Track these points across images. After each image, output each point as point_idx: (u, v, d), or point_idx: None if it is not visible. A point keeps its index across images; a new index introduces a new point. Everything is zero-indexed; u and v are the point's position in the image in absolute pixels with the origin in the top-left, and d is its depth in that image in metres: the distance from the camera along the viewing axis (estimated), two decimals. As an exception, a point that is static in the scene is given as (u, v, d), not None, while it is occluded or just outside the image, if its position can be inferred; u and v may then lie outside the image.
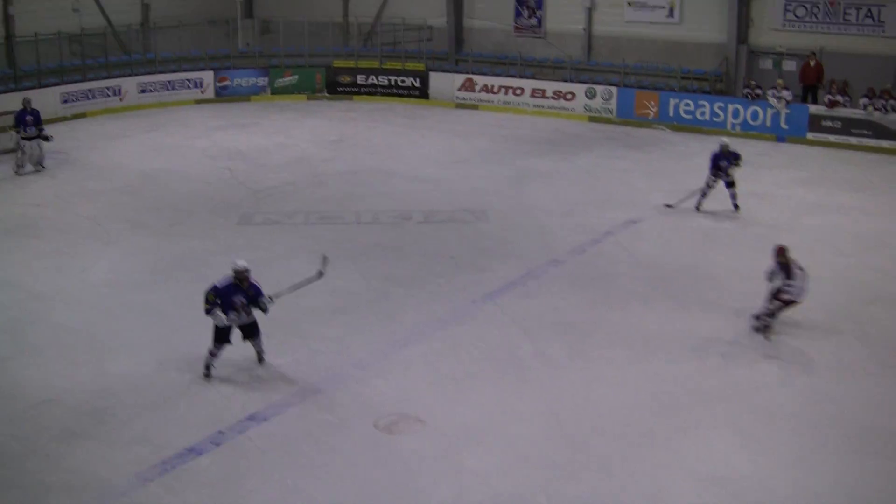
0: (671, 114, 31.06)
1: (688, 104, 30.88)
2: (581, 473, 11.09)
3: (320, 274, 13.89)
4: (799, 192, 23.55)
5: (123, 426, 12.11)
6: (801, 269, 14.63)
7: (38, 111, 24.97)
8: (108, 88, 33.10)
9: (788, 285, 14.49)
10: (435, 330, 15.02)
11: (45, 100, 29.68)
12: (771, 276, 14.81)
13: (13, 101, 26.61)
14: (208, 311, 13.21)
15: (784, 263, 14.55)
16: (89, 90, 32.54)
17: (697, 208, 21.65)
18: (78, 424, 12.10)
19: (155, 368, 13.63)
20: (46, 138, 24.83)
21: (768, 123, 29.37)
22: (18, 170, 24.57)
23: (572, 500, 10.55)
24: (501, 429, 12.04)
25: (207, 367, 13.52)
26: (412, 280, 17.09)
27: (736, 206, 21.69)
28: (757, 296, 15.86)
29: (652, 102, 31.43)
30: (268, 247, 18.70)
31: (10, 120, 25.29)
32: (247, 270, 13.27)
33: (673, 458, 11.46)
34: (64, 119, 31.05)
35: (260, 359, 13.91)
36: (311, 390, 13.02)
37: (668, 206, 22.11)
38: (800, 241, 19.23)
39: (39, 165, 24.81)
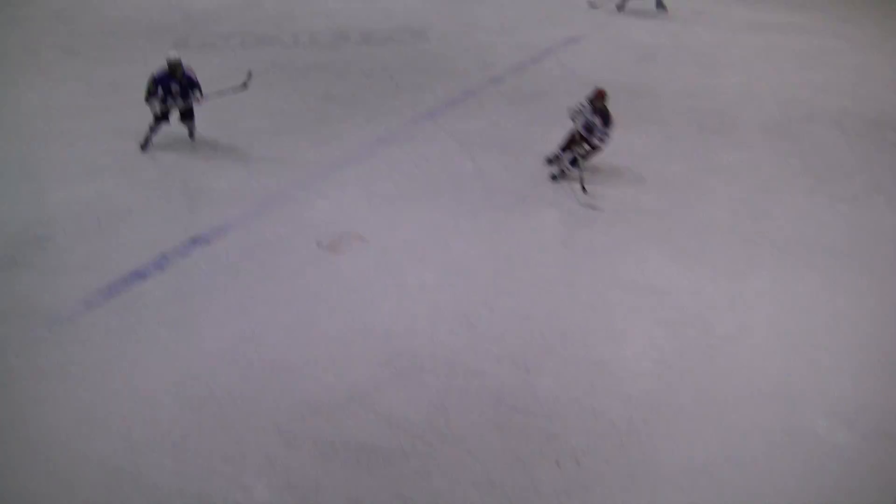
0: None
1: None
2: (521, 287, 11.26)
3: (244, 85, 15.04)
4: (738, 10, 23.51)
5: (66, 253, 12.07)
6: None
7: None
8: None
9: (604, 132, 13.92)
10: (375, 149, 14.99)
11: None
12: (575, 116, 13.99)
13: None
14: (146, 100, 14.52)
15: (603, 109, 13.87)
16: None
17: (619, 9, 22.11)
18: (20, 254, 12.04)
19: (94, 195, 13.52)
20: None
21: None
22: None
23: (513, 312, 10.75)
24: (442, 245, 12.16)
25: (146, 140, 14.76)
26: (351, 100, 16.97)
27: (661, 5, 21.98)
28: (698, 112, 16.01)
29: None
30: (204, 70, 18.38)
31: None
32: (178, 61, 14.50)
33: (611, 271, 11.66)
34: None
35: (191, 135, 15.19)
36: (252, 212, 13.02)
37: (592, 4, 23.51)
38: (738, 58, 19.35)
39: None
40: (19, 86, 17.89)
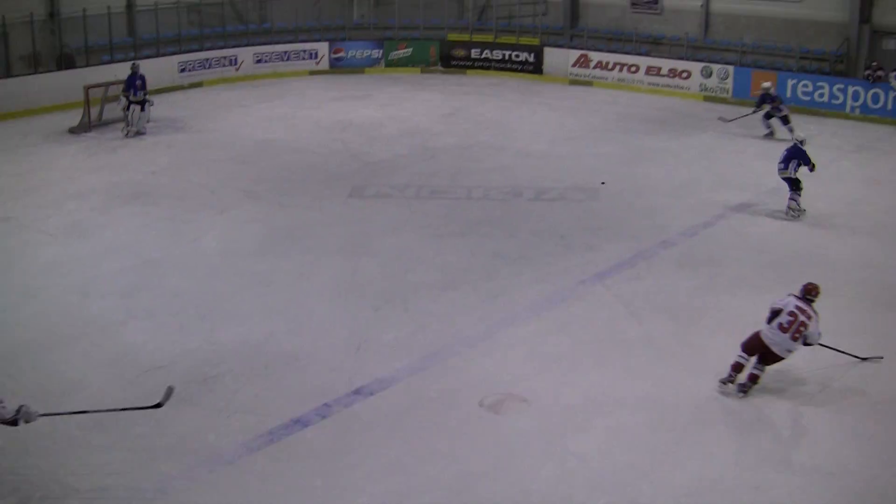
0: (789, 95, 30.27)
1: (806, 85, 30.15)
2: (685, 462, 10.93)
3: (159, 405, 11.34)
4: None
5: (232, 395, 12.30)
6: None
7: (144, 76, 25.79)
8: (224, 58, 33.51)
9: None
10: (542, 309, 14.96)
11: (163, 69, 30.31)
12: None
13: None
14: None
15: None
16: (206, 60, 32.99)
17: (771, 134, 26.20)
18: (187, 391, 12.31)
19: (264, 338, 13.81)
20: (151, 103, 25.58)
21: (889, 107, 28.52)
22: (128, 131, 25.59)
23: (676, 489, 10.42)
24: (606, 413, 11.94)
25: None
26: (521, 258, 17.02)
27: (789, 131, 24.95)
28: (874, 284, 15.57)
29: (769, 83, 30.81)
30: (377, 220, 18.84)
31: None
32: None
33: (779, 449, 11.27)
34: (181, 88, 31.62)
35: None
36: (417, 366, 13.08)
37: (723, 119, 26.93)
38: None
39: (143, 129, 25.70)
40: (201, 225, 18.56)
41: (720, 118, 27.19)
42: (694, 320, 14.59)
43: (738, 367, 12.45)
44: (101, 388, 12.49)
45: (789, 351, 12.27)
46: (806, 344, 12.28)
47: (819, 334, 12.35)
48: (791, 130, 24.57)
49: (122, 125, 25.68)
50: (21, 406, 9.99)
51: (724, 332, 14.01)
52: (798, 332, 12.16)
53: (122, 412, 11.24)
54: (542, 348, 13.67)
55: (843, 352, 13.20)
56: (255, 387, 12.50)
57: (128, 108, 25.46)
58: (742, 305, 14.97)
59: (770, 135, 26.15)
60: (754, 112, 26.48)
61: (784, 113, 25.99)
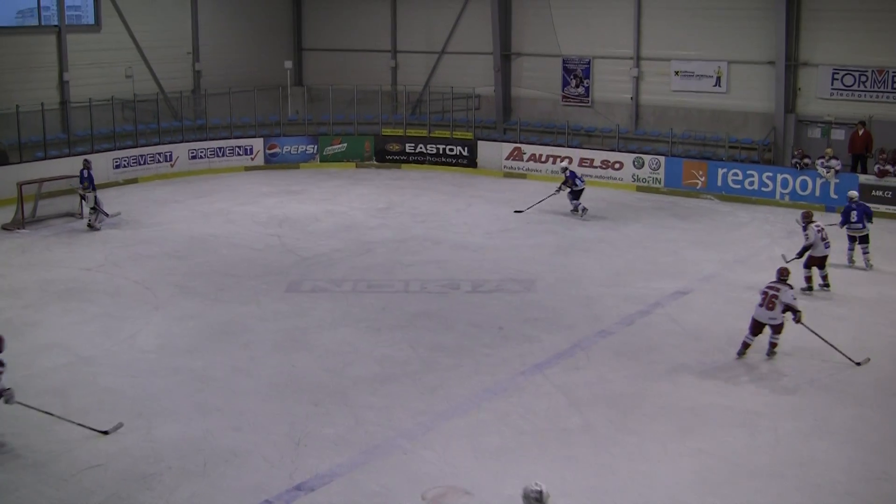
0: (719, 183, 30.92)
1: (736, 174, 30.74)
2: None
3: (106, 432, 13.72)
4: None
5: (170, 493, 12.10)
6: None
7: None
8: (159, 154, 33.58)
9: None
10: (482, 401, 14.94)
11: (98, 165, 30.12)
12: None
13: (68, 165, 27.13)
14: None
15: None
16: (141, 156, 33.06)
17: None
18: (125, 490, 12.12)
19: (202, 434, 13.64)
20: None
21: (817, 193, 29.10)
22: (97, 223, 25.98)
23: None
24: (549, 503, 11.91)
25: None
26: (460, 350, 17.03)
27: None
28: (811, 369, 15.72)
29: (700, 172, 31.33)
30: (315, 314, 18.77)
31: (64, 184, 26.56)
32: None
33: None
34: (116, 184, 31.54)
35: None
36: (358, 461, 12.97)
37: (518, 211, 28.37)
38: (849, 312, 19.09)
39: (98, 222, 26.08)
40: (136, 321, 18.40)
41: (516, 211, 28.63)
42: (634, 408, 14.64)
43: (746, 346, 16.70)
44: (35, 487, 12.25)
45: (772, 318, 16.42)
46: (794, 316, 16.35)
47: (794, 298, 16.46)
48: (577, 208, 27.78)
49: (93, 218, 26.04)
50: (9, 389, 13.28)
51: (664, 419, 14.17)
52: (772, 302, 16.35)
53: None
54: (483, 440, 13.62)
55: (840, 352, 16.39)
56: (194, 484, 12.31)
57: (96, 200, 25.91)
58: (681, 391, 15.11)
59: (578, 210, 27.87)
60: (550, 197, 28.28)
61: (581, 188, 27.88)
